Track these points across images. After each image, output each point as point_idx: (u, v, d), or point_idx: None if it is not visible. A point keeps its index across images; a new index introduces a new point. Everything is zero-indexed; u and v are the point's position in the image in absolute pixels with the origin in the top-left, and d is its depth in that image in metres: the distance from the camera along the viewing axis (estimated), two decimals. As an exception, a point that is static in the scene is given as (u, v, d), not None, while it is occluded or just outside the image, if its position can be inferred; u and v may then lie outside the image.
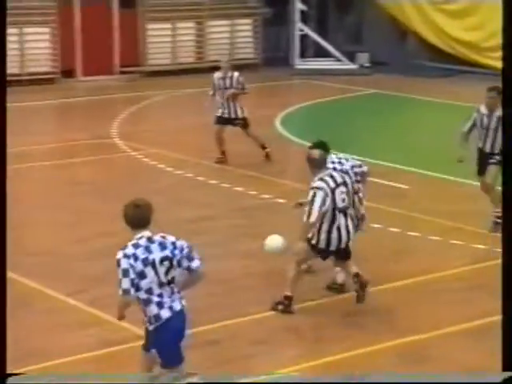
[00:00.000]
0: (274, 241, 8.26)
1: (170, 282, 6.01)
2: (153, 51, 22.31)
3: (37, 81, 20.33)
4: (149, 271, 5.93)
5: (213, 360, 7.26)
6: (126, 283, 5.91)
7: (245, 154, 13.84)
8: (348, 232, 8.22)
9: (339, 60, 23.23)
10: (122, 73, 21.82)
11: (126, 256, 5.94)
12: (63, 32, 20.97)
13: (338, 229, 8.14)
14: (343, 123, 17.13)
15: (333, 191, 8.07)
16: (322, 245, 8.20)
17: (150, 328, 6.08)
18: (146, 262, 5.93)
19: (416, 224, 10.71)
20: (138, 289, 5.96)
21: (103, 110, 18.41)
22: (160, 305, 6.00)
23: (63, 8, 20.96)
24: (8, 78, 22.46)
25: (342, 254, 8.33)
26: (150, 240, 6.00)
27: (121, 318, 6.14)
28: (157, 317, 6.01)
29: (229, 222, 10.82)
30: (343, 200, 8.16)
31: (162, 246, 6.00)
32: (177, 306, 6.04)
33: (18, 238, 10.11)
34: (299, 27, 23.22)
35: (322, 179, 8.10)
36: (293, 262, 8.27)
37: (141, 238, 5.99)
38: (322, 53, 23.43)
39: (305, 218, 8.04)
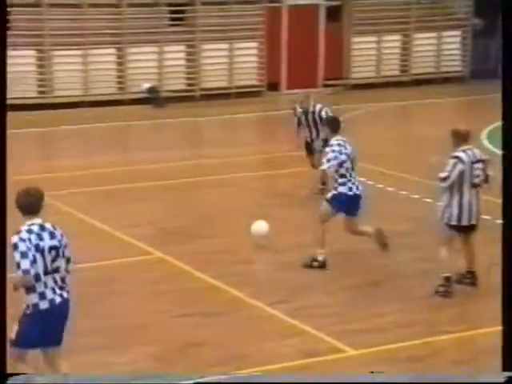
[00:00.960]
0: (261, 227, 10.20)
1: (54, 271, 6.30)
2: (357, 64, 22.36)
3: (244, 94, 20.92)
4: (39, 258, 6.23)
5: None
6: (26, 263, 6.17)
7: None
8: (476, 208, 8.78)
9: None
10: (326, 86, 22.02)
11: (22, 240, 6.22)
12: (270, 46, 21.48)
13: (470, 203, 8.72)
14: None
15: (471, 165, 8.69)
16: (454, 220, 8.73)
17: (26, 312, 6.32)
18: (37, 248, 6.22)
19: None
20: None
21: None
22: (42, 295, 6.26)
23: (271, 23, 21.48)
24: (217, 92, 23.21)
25: (471, 230, 8.91)
26: (41, 228, 6.31)
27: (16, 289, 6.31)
28: (35, 306, 6.26)
29: (431, 236, 10.61)
30: (477, 176, 8.77)
31: (52, 236, 6.32)
32: (57, 299, 6.29)
33: (225, 246, 10.43)
34: None
35: (464, 151, 8.78)
36: (441, 244, 8.83)
37: (33, 224, 6.29)
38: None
39: (442, 175, 8.70)
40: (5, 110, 6.76)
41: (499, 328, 7.97)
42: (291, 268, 9.66)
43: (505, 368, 5.81)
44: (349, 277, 9.43)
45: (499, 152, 15.42)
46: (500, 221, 10.92)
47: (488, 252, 8.96)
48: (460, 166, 8.66)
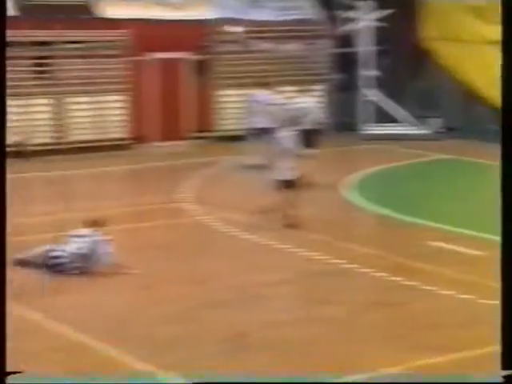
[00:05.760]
0: None
1: None
2: (227, 116, 22.66)
3: (111, 147, 20.85)
4: None
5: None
6: None
7: (310, 218, 13.88)
8: None
9: (411, 125, 23.17)
10: (195, 138, 22.22)
11: None
12: (135, 99, 21.61)
13: None
14: (411, 188, 17.05)
15: None
16: None
17: None
18: None
19: (488, 291, 10.47)
20: None
21: (174, 174, 18.66)
22: None
23: (136, 76, 21.62)
24: (84, 145, 22.47)
25: None
26: None
27: None
28: None
29: (297, 286, 10.77)
30: None
31: None
32: None
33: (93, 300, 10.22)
34: (368, 93, 23.32)
35: None
36: None
37: None
38: (392, 118, 23.42)
39: None
40: (4, 95, 6.13)
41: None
42: (166, 321, 9.57)
43: (504, 367, 5.75)
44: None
45: (357, 202, 15.85)
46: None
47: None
48: None
